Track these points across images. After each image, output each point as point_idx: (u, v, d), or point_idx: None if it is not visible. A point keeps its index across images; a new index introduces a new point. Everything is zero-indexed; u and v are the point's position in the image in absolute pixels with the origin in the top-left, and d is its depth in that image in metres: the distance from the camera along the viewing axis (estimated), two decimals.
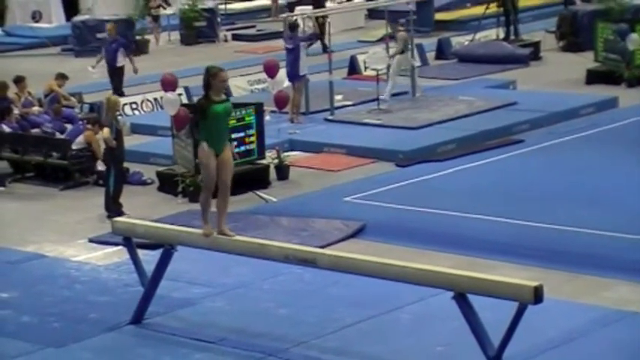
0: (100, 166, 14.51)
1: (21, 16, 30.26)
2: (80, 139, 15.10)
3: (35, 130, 16.24)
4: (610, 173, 14.16)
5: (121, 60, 19.61)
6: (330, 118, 17.76)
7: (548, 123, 17.21)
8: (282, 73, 17.20)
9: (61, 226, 13.22)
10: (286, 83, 17.46)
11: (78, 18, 27.68)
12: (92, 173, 14.98)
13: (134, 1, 29.05)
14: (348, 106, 18.43)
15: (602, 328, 9.19)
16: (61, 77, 18.14)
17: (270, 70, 16.96)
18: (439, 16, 28.17)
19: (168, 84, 14.78)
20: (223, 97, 9.05)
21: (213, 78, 8.99)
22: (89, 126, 15.34)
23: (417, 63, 18.13)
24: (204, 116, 8.90)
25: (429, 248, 11.53)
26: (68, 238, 12.68)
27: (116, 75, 19.68)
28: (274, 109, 16.86)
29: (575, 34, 24.20)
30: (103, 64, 19.92)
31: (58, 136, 15.76)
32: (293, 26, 17.94)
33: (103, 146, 13.68)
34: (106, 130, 13.31)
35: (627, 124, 17.11)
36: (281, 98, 16.71)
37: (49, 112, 16.84)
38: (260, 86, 20.57)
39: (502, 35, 24.32)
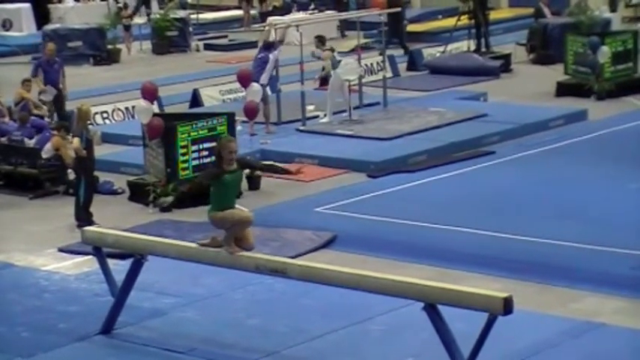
0: (71, 175, 14.44)
1: None
2: (48, 146, 15.01)
3: (3, 139, 16.13)
4: (579, 185, 14.25)
5: (62, 80, 18.44)
6: (301, 128, 17.77)
7: (518, 135, 17.29)
8: (257, 84, 17.18)
9: (30, 236, 13.14)
10: (268, 90, 17.52)
11: (49, 27, 27.54)
12: (62, 183, 14.90)
13: (106, 10, 29.01)
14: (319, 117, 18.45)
15: (571, 340, 9.23)
16: (28, 81, 18.02)
17: (244, 80, 16.97)
18: (411, 27, 28.26)
19: (148, 92, 14.74)
20: (235, 166, 8.91)
21: (222, 149, 8.87)
22: (55, 132, 15.26)
23: (353, 76, 18.10)
24: (216, 184, 8.81)
25: (400, 259, 11.55)
26: (38, 247, 12.61)
27: (60, 96, 18.27)
28: (245, 119, 16.87)
29: (545, 47, 24.39)
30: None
31: (27, 143, 15.67)
32: (269, 44, 17.98)
33: (72, 155, 13.61)
34: (76, 140, 13.25)
35: (596, 136, 17.24)
36: (250, 109, 16.70)
37: (17, 119, 16.73)
38: (232, 96, 20.56)
39: (473, 47, 24.45)
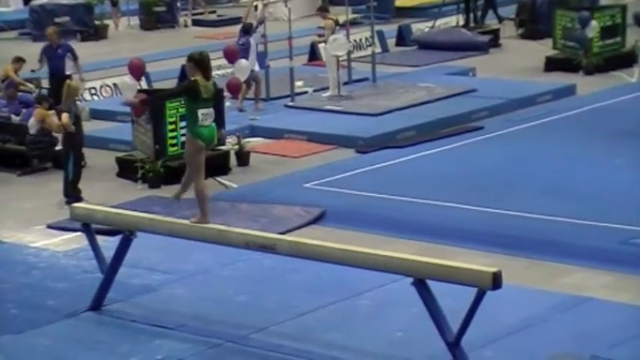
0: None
1: None
2: (32, 121, 14.90)
3: None
4: (567, 160, 14.27)
5: (70, 67, 17.31)
6: (290, 104, 17.73)
7: (507, 110, 17.30)
8: (245, 60, 17.13)
9: (19, 212, 13.10)
10: (257, 68, 17.50)
11: (36, 2, 27.42)
12: (50, 159, 14.84)
13: None
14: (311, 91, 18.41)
15: (560, 314, 9.26)
16: (18, 61, 17.86)
17: (231, 56, 16.93)
18: (399, 2, 28.23)
19: (135, 68, 14.67)
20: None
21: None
22: (37, 105, 15.15)
23: (342, 52, 18.02)
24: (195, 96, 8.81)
25: (389, 234, 11.56)
26: (26, 224, 12.58)
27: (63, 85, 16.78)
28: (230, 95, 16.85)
29: (534, 22, 24.37)
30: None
31: (14, 119, 15.61)
32: (248, 27, 18.02)
33: (57, 122, 13.51)
34: (64, 116, 13.20)
35: (585, 111, 17.26)
36: (233, 84, 16.68)
37: (4, 96, 16.66)
38: (220, 72, 20.47)
39: (462, 22, 24.40)
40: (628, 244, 10.98)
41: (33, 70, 17.88)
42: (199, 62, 8.93)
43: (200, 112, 8.83)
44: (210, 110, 8.94)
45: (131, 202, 12.73)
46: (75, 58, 17.42)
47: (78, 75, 17.38)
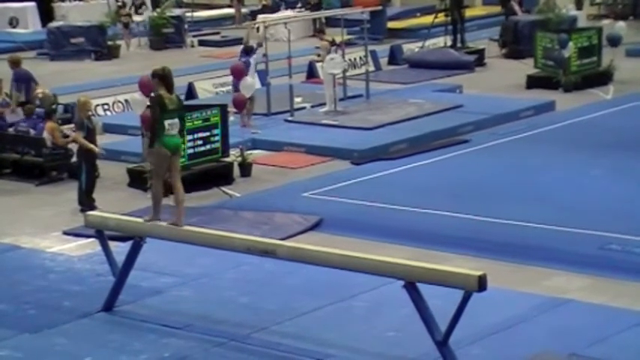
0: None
1: None
2: (46, 135, 14.87)
3: (10, 129, 16.04)
4: (548, 171, 14.27)
5: (33, 88, 16.89)
6: (290, 119, 17.73)
7: (491, 124, 17.31)
8: (251, 79, 17.16)
9: (36, 220, 13.08)
10: (258, 85, 17.52)
11: (53, 24, 27.43)
12: (66, 170, 14.81)
13: (106, 8, 28.92)
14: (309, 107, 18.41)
15: (541, 315, 9.25)
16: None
17: (237, 74, 16.97)
18: (391, 24, 28.25)
19: (144, 86, 14.68)
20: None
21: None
22: (48, 119, 15.11)
23: (338, 70, 18.01)
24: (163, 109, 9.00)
25: (382, 240, 11.54)
26: (43, 230, 12.55)
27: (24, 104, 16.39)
28: (236, 110, 16.83)
29: (516, 43, 24.39)
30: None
31: (32, 133, 15.57)
32: (249, 49, 18.08)
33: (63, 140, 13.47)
34: (75, 134, 13.20)
35: (564, 125, 17.27)
36: (239, 101, 16.67)
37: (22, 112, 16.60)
38: (224, 89, 20.50)
39: (449, 43, 24.43)
40: (605, 250, 10.97)
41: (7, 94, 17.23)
42: (162, 77, 9.16)
43: (167, 122, 9.06)
44: (176, 121, 9.20)
45: (141, 210, 12.65)
46: (35, 84, 16.96)
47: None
